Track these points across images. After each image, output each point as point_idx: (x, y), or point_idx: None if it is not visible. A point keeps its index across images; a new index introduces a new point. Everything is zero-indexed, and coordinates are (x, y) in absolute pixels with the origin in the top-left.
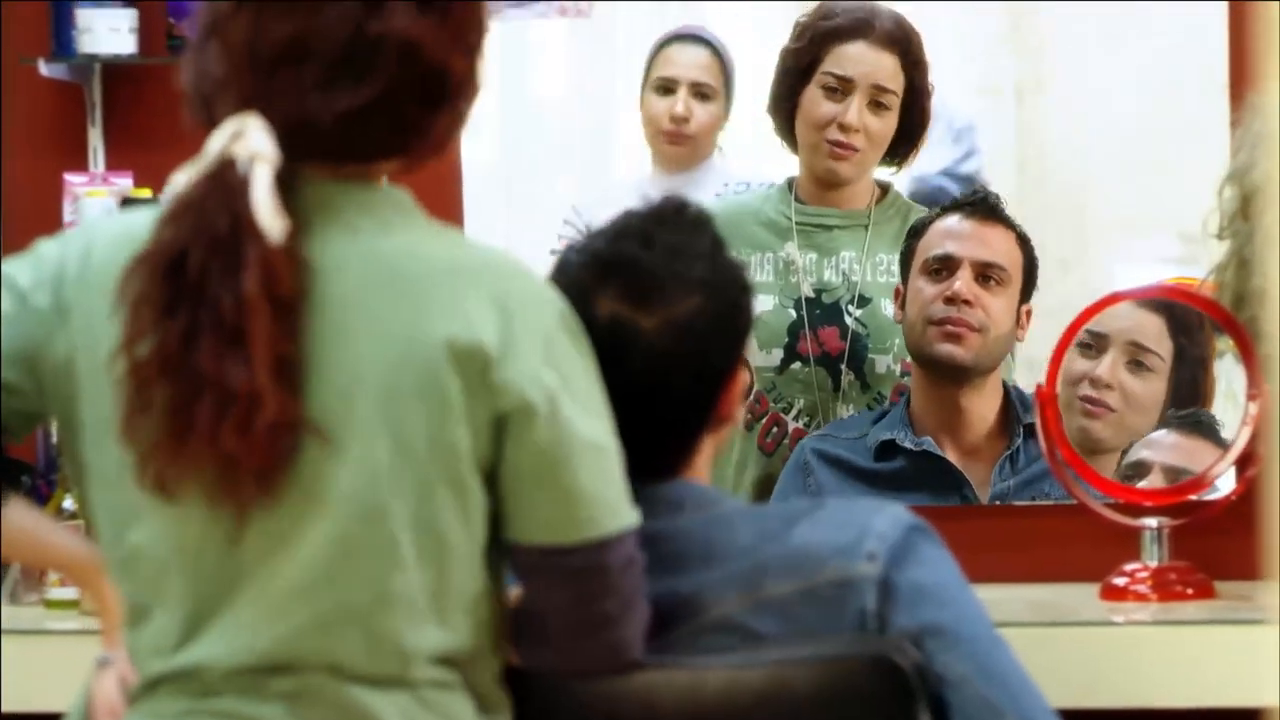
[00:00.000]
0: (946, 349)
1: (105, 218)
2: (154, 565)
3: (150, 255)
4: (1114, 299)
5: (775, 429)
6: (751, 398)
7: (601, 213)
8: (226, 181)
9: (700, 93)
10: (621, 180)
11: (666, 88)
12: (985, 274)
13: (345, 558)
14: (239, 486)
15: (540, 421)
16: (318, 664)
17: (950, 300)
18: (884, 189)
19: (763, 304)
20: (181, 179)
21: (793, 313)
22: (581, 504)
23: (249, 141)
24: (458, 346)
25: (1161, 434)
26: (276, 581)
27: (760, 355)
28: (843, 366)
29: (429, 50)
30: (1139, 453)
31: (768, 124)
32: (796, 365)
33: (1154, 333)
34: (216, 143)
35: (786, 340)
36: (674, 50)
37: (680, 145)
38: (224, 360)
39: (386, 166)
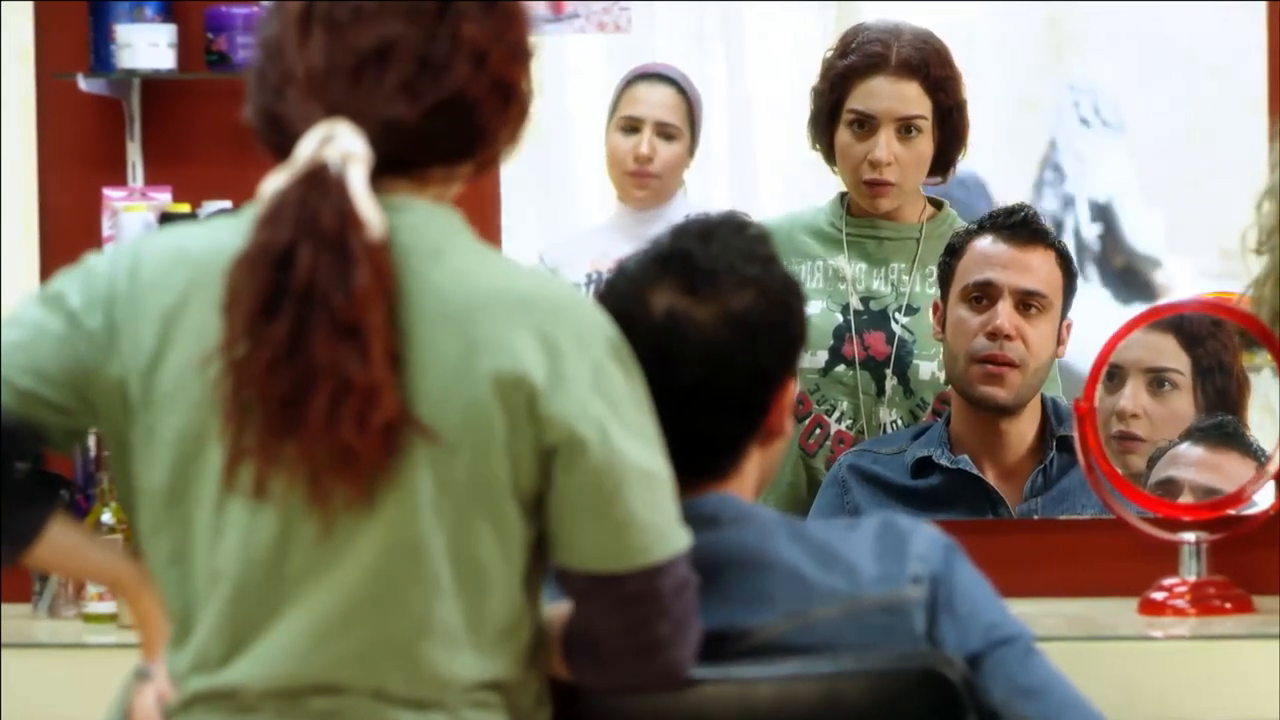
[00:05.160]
0: (988, 391)
1: (153, 234)
2: (204, 583)
3: (252, 255)
4: (1152, 314)
5: (818, 430)
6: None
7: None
8: (323, 182)
9: (665, 132)
10: (587, 222)
11: (632, 126)
12: (1026, 302)
13: (385, 587)
14: (332, 488)
15: (591, 452)
16: (358, 689)
17: (992, 335)
18: (937, 206)
19: (810, 308)
20: (271, 185)
21: (839, 316)
22: (633, 532)
23: (341, 143)
24: (503, 381)
25: (1186, 448)
26: (318, 608)
27: (805, 357)
28: (887, 371)
29: (494, 59)
30: (1166, 470)
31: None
32: (841, 368)
33: (1168, 351)
34: (306, 148)
35: (831, 343)
36: (640, 89)
37: (645, 185)
38: (339, 354)
39: (455, 172)
